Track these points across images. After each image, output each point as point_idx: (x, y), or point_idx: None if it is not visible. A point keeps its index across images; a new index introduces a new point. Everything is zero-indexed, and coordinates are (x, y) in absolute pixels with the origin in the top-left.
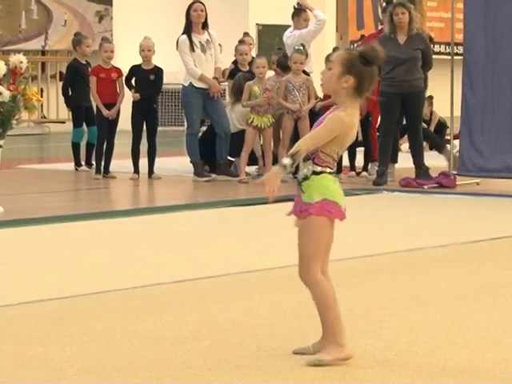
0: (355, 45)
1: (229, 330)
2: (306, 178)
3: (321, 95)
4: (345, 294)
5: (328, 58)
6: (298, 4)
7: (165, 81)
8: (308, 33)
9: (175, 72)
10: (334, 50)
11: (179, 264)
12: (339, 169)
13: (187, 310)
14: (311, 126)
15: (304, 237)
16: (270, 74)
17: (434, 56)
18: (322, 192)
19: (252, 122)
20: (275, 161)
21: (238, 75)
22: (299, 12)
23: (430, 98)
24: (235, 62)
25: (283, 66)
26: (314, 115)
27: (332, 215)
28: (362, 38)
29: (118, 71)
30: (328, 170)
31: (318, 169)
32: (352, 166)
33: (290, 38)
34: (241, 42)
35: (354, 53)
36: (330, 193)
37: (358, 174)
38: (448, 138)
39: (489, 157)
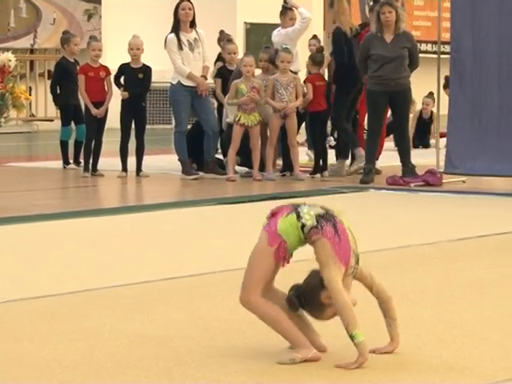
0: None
1: (216, 328)
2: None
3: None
4: None
5: (311, 57)
6: (285, 2)
7: (153, 79)
8: (293, 31)
9: (163, 70)
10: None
11: (167, 262)
12: (324, 167)
13: (175, 307)
14: (299, 124)
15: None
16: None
17: (420, 55)
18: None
19: (239, 120)
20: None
21: (235, 71)
22: (285, 11)
23: (431, 94)
24: (221, 60)
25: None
26: (303, 115)
27: (277, 257)
28: (363, 27)
29: (107, 70)
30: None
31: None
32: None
33: (277, 36)
34: (229, 40)
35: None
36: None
37: (346, 171)
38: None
39: (475, 155)
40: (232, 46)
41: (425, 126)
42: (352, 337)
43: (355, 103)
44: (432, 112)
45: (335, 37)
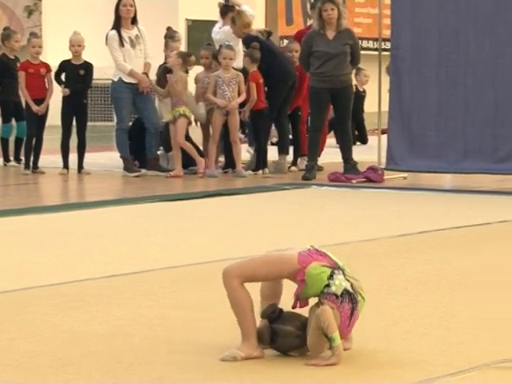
0: (285, 41)
1: (158, 326)
2: None
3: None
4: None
5: (250, 55)
6: (227, 0)
7: (94, 76)
8: None
9: (105, 67)
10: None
11: (108, 259)
12: (265, 163)
13: (116, 305)
14: (241, 122)
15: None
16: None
17: (361, 52)
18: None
19: (183, 113)
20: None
21: (161, 68)
22: (227, 8)
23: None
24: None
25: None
26: (257, 115)
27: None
28: (292, 41)
29: (47, 66)
30: None
31: None
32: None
33: (218, 33)
34: (171, 37)
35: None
36: None
37: (288, 168)
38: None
39: (416, 152)
40: (175, 43)
41: (359, 99)
42: (331, 338)
43: (289, 98)
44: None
45: (247, 43)
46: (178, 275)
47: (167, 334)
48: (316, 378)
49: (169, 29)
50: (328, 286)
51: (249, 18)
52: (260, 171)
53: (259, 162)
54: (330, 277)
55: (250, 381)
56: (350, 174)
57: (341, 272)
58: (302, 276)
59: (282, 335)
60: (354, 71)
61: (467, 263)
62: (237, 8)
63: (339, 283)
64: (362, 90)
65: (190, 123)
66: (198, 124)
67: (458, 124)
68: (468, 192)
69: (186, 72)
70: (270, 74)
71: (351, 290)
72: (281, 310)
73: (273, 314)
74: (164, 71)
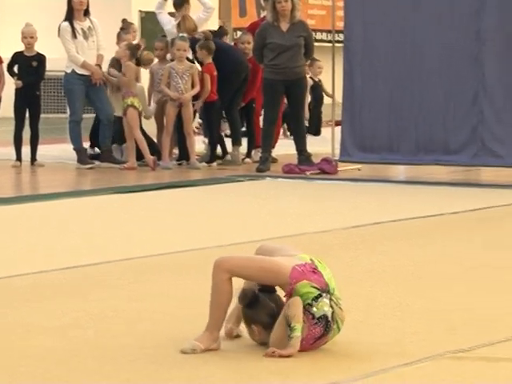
0: (238, 32)
1: (113, 318)
2: None
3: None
4: None
5: (205, 46)
6: None
7: (47, 68)
8: (197, 20)
9: (58, 59)
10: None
11: (62, 252)
12: (219, 155)
13: (71, 297)
14: (195, 113)
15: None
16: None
17: (315, 43)
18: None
19: (132, 103)
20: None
21: (112, 60)
22: (181, 1)
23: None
24: None
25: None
26: (209, 107)
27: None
28: (246, 33)
29: None
30: None
31: None
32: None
33: (175, 26)
34: (124, 29)
35: (243, 309)
36: None
37: (242, 160)
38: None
39: (368, 143)
40: (127, 35)
41: (318, 89)
42: (292, 328)
43: (241, 90)
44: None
45: (193, 46)
46: (132, 267)
47: (122, 326)
48: (269, 370)
49: (124, 21)
50: (310, 305)
51: (193, 24)
52: (214, 163)
53: (213, 153)
54: (315, 298)
55: (205, 372)
56: (304, 165)
57: (328, 296)
58: (289, 291)
59: (262, 305)
60: (308, 62)
61: (421, 254)
62: (184, 14)
63: (321, 307)
64: (317, 79)
65: (140, 114)
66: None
67: (410, 116)
68: (421, 183)
69: (138, 64)
70: (223, 66)
71: (329, 318)
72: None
73: (268, 287)
74: (115, 63)
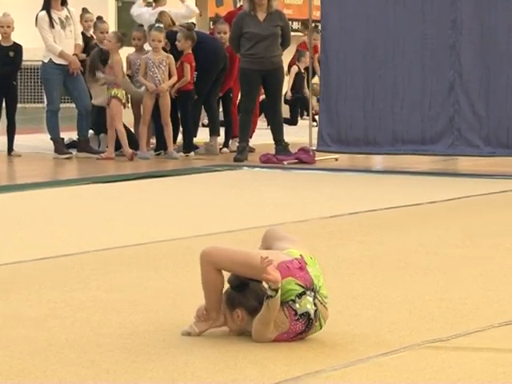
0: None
1: (90, 308)
2: None
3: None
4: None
5: (187, 36)
6: None
7: (24, 57)
8: (176, 14)
9: (35, 48)
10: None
11: (40, 242)
12: (195, 146)
13: (48, 288)
14: (173, 104)
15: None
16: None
17: (292, 33)
18: None
19: (115, 95)
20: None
21: (93, 52)
22: None
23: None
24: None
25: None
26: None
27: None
28: (219, 18)
29: None
30: None
31: None
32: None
33: (153, 15)
34: (99, 19)
35: (227, 290)
36: None
37: (220, 149)
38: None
39: (345, 133)
40: (104, 24)
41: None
42: (271, 288)
43: (220, 81)
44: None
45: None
46: (111, 257)
47: (99, 316)
48: (247, 359)
49: (84, 9)
50: (293, 301)
51: (170, 19)
52: (192, 153)
53: (188, 143)
54: (299, 295)
55: (183, 362)
56: (281, 155)
57: (312, 294)
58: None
59: (250, 290)
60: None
61: (398, 243)
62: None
63: (304, 304)
64: (303, 71)
65: (124, 106)
66: (129, 105)
67: (387, 106)
68: (398, 173)
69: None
70: (202, 57)
71: (312, 316)
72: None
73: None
74: (98, 54)
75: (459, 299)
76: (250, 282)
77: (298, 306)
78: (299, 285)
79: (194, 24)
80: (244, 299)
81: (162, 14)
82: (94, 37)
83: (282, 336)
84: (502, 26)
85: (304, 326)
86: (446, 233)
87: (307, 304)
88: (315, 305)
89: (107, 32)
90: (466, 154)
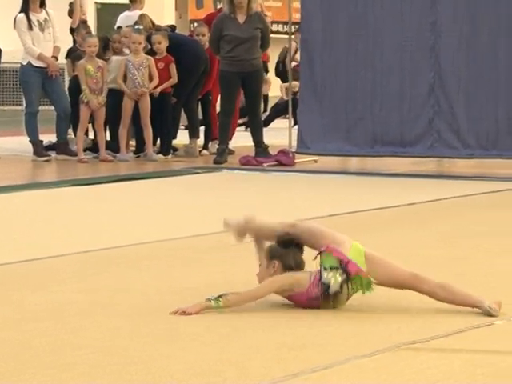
0: (195, 24)
1: (70, 311)
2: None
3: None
4: (186, 272)
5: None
6: None
7: (3, 59)
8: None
9: (13, 51)
10: (157, 28)
11: (19, 244)
12: (175, 148)
13: (29, 290)
14: (153, 106)
15: None
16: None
17: (272, 35)
18: None
19: (85, 99)
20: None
21: (74, 54)
22: None
23: None
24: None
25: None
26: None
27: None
28: (202, 24)
29: None
30: None
31: None
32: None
33: (129, 17)
34: (83, 22)
35: (273, 244)
36: None
37: (200, 152)
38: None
39: (327, 135)
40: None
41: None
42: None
43: (200, 83)
44: None
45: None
46: (91, 259)
47: (78, 318)
48: (227, 361)
49: (71, 4)
50: (325, 268)
51: (150, 21)
52: (170, 155)
53: (168, 145)
54: (332, 268)
55: (162, 364)
56: (261, 157)
57: (344, 277)
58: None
59: (294, 252)
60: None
61: (378, 245)
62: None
63: (330, 277)
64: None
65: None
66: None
67: (367, 107)
68: (378, 175)
69: (104, 58)
70: (184, 60)
71: (330, 291)
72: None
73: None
74: (78, 58)
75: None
76: (295, 246)
77: (325, 274)
78: (338, 260)
79: (175, 26)
80: (285, 255)
81: (142, 16)
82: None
83: (297, 296)
84: (481, 28)
85: (318, 294)
86: (426, 234)
87: (332, 278)
88: (341, 287)
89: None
90: (445, 155)
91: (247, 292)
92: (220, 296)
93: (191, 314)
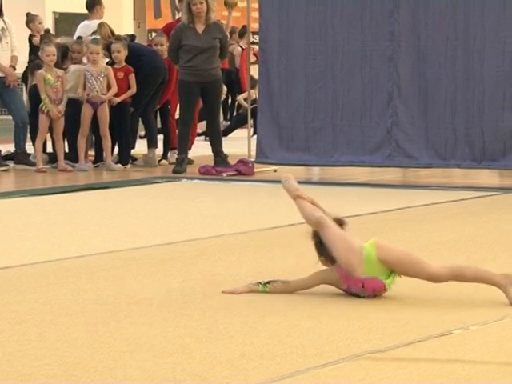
0: (153, 34)
1: (28, 321)
2: None
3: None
4: (143, 282)
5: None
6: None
7: None
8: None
9: None
10: (117, 38)
11: None
12: (133, 157)
13: None
14: (111, 115)
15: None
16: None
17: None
18: None
19: (45, 109)
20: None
21: (33, 64)
22: (94, 2)
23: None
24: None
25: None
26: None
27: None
28: (160, 34)
29: None
30: None
31: None
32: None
33: (88, 26)
34: (48, 31)
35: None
36: None
37: (159, 161)
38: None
39: (285, 144)
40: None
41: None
42: None
43: (158, 93)
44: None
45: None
46: (49, 270)
47: (37, 329)
48: (185, 373)
49: (28, 14)
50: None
51: (109, 30)
52: (129, 165)
53: (127, 155)
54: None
55: (121, 375)
56: (220, 167)
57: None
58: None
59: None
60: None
61: None
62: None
63: (359, 292)
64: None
65: (53, 118)
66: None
67: (327, 116)
68: (338, 184)
69: (62, 67)
70: (142, 69)
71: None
72: None
73: None
74: (35, 68)
75: (397, 310)
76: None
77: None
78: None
79: (134, 36)
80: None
81: (100, 25)
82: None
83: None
84: (439, 37)
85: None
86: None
87: (360, 293)
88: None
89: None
90: (403, 165)
91: (295, 282)
92: (269, 282)
93: (240, 293)
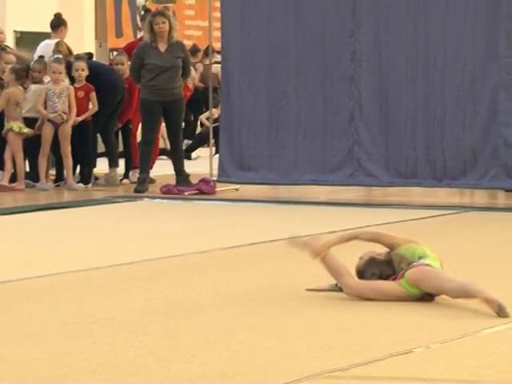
0: (115, 53)
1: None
2: None
3: None
4: (105, 302)
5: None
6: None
7: None
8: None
9: None
10: (77, 56)
11: None
12: (95, 177)
13: None
14: (73, 134)
15: None
16: None
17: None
18: None
19: (12, 129)
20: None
21: None
22: (58, 23)
23: None
24: None
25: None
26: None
27: None
28: (121, 53)
29: None
30: None
31: None
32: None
33: (49, 45)
34: (3, 49)
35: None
36: None
37: (120, 181)
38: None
39: (247, 163)
40: (8, 55)
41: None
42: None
43: (117, 111)
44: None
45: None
46: (8, 290)
47: None
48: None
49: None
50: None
51: (67, 49)
52: (90, 184)
53: (88, 174)
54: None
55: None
56: (182, 186)
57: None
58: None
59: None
60: None
61: (299, 274)
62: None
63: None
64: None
65: (27, 135)
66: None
67: (289, 135)
68: (300, 203)
69: (22, 86)
70: (100, 88)
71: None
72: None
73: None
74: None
75: (358, 329)
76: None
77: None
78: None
79: (92, 54)
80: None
81: (58, 44)
82: None
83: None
84: (399, 57)
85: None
86: (346, 262)
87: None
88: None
89: (6, 63)
90: (365, 184)
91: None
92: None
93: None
